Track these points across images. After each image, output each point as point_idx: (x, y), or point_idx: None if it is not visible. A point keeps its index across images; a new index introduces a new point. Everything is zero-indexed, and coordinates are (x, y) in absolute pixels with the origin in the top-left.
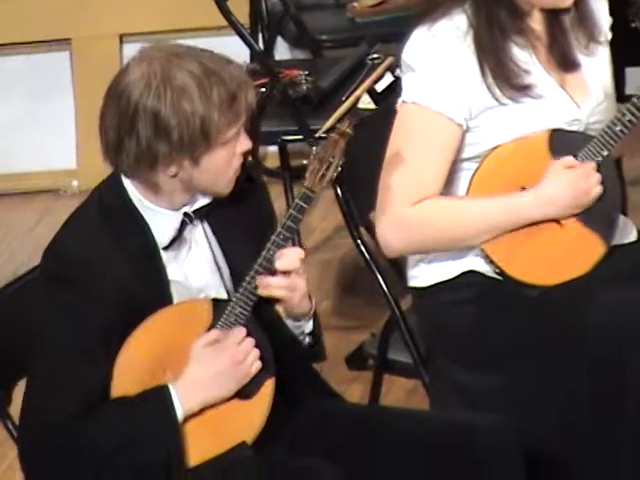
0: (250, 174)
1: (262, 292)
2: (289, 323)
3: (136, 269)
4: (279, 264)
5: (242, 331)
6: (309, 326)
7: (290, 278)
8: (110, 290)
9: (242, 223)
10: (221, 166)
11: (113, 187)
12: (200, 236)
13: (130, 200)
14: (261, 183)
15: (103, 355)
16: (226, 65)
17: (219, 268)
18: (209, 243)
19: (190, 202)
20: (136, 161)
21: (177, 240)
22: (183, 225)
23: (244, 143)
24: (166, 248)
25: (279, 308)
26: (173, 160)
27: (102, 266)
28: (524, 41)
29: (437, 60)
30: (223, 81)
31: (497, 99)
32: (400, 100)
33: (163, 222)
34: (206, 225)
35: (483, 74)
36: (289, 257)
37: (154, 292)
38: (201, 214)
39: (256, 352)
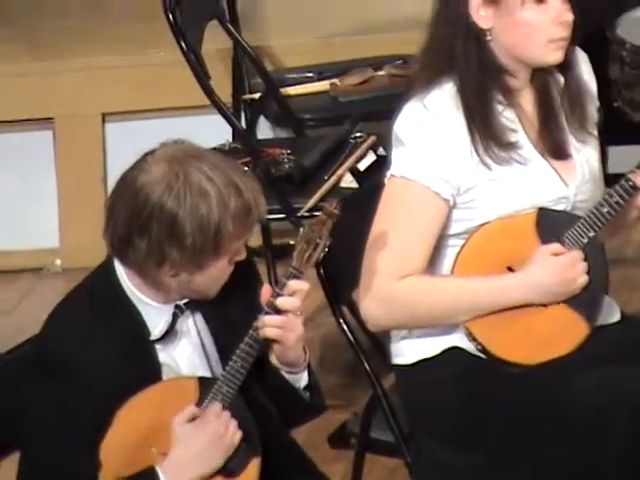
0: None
1: (260, 333)
2: (287, 376)
3: (128, 361)
4: (279, 303)
5: (218, 406)
6: (305, 378)
7: (287, 317)
8: (101, 382)
9: (235, 306)
10: (219, 273)
11: (106, 277)
12: (191, 326)
13: (123, 292)
14: (251, 262)
15: (94, 443)
16: (243, 175)
17: (208, 357)
18: (199, 333)
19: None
20: (144, 260)
21: (169, 333)
22: (175, 317)
23: (241, 254)
24: (157, 340)
25: (274, 359)
26: (181, 263)
27: (93, 359)
28: (513, 115)
29: (427, 134)
30: (241, 192)
31: (485, 164)
32: (388, 174)
33: (156, 315)
34: (198, 315)
35: (472, 137)
36: (291, 296)
37: (146, 382)
38: (193, 306)
39: (235, 423)
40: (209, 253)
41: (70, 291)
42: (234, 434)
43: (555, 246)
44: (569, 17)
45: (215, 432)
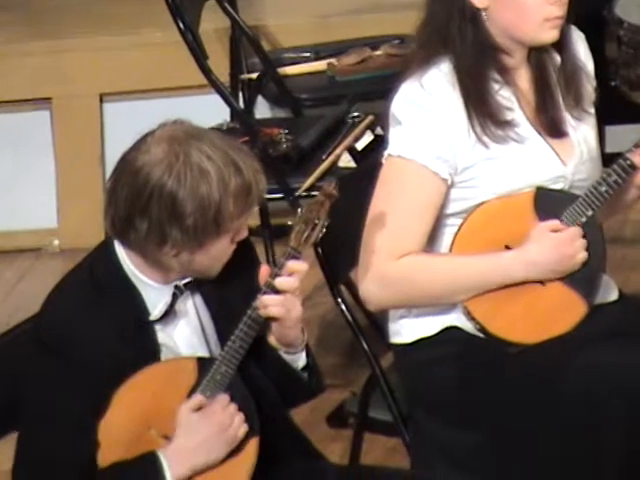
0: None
1: (260, 313)
2: (285, 357)
3: (128, 340)
4: (278, 283)
5: (226, 397)
6: (303, 359)
7: (286, 296)
8: (100, 361)
9: (233, 287)
10: (220, 253)
11: (106, 257)
12: (190, 307)
13: (123, 272)
14: (249, 243)
15: (93, 423)
16: (242, 154)
17: (207, 338)
18: (198, 314)
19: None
20: (145, 240)
21: (168, 313)
22: (174, 297)
23: (243, 233)
24: (157, 321)
25: (272, 339)
26: (182, 243)
27: (92, 338)
28: (509, 94)
29: (424, 113)
30: (241, 171)
31: (483, 143)
32: (386, 153)
33: (155, 295)
34: (197, 296)
35: (469, 115)
36: (290, 276)
37: (145, 362)
38: (192, 286)
39: (241, 416)
40: (210, 232)
41: (70, 271)
42: (239, 427)
43: (553, 222)
44: None
45: (220, 423)
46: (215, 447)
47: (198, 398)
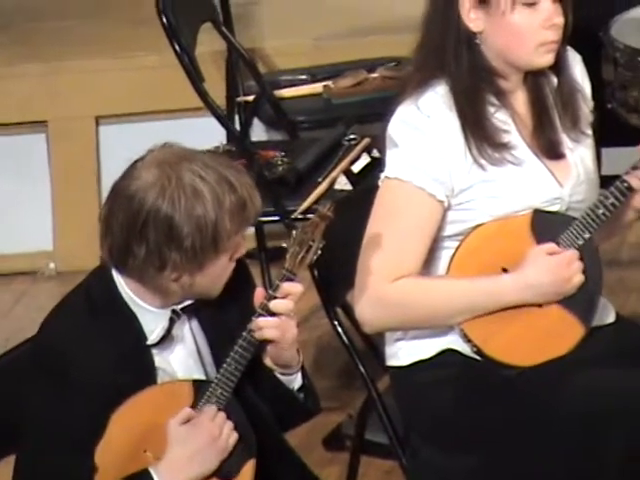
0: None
1: (256, 335)
2: (281, 378)
3: (125, 364)
4: (273, 305)
5: (213, 408)
6: (298, 380)
7: (281, 318)
8: (98, 384)
9: (229, 309)
10: (220, 272)
11: (103, 281)
12: (187, 331)
13: (120, 296)
14: (244, 264)
15: (90, 446)
16: (234, 171)
17: (202, 361)
18: (194, 337)
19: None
20: (143, 265)
21: (165, 338)
22: (171, 322)
23: (241, 250)
24: (154, 345)
25: (268, 360)
26: (182, 266)
27: (90, 361)
28: (505, 116)
29: (421, 135)
30: (234, 188)
31: (480, 165)
32: (383, 175)
33: (152, 319)
34: (193, 319)
35: (466, 138)
36: (284, 299)
37: (142, 386)
38: (189, 311)
39: (230, 424)
40: (209, 252)
41: (67, 294)
42: (229, 436)
43: (550, 245)
44: (559, 20)
45: (209, 434)
46: (206, 458)
47: (185, 411)
